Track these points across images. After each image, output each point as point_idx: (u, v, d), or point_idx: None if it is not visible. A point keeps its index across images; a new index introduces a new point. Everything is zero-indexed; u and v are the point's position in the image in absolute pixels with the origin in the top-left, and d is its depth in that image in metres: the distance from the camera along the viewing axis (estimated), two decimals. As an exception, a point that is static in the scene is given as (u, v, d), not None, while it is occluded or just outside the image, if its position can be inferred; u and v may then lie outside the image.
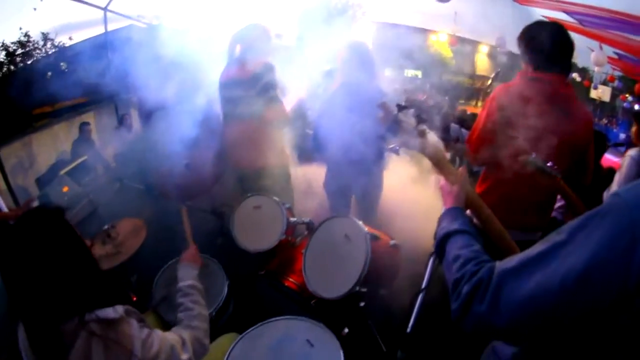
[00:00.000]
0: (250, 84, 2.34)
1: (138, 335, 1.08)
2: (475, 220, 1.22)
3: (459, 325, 0.78)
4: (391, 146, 1.22)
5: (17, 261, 1.01)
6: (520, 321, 0.70)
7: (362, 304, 1.83)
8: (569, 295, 0.64)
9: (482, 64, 6.14)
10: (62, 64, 8.42)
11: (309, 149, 2.49)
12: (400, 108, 1.19)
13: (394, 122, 1.19)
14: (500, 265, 0.76)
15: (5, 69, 7.32)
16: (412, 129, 1.18)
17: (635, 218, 0.61)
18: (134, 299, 2.11)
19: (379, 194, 2.48)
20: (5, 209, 2.59)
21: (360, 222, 1.76)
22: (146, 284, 2.03)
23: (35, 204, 2.80)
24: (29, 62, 7.66)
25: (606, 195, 3.33)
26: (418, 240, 1.98)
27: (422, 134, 1.18)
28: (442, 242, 1.00)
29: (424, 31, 5.91)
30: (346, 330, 1.67)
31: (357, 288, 1.59)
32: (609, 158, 5.32)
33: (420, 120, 1.18)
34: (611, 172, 4.45)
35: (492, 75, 3.88)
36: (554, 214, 2.30)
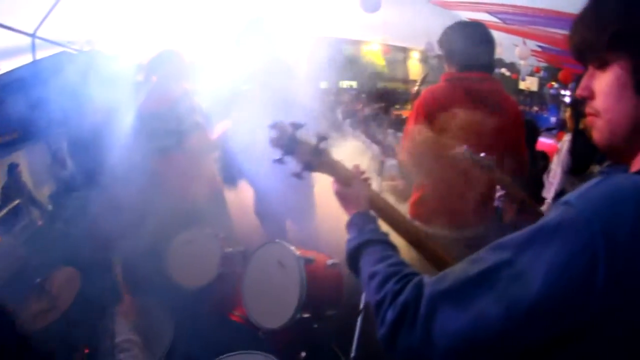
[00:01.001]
0: (169, 114, 2.27)
1: None
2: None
3: (388, 354, 0.66)
4: (296, 171, 1.08)
5: None
6: (459, 355, 0.59)
7: (315, 325, 1.82)
8: (518, 327, 0.54)
9: (415, 69, 6.45)
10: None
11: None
12: (296, 127, 1.07)
13: (291, 142, 1.07)
14: (431, 284, 0.63)
15: None
16: (312, 148, 1.06)
17: (594, 232, 0.50)
18: (87, 350, 2.02)
19: (312, 212, 2.44)
20: None
21: (292, 247, 1.76)
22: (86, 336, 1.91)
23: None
24: None
25: (546, 179, 3.57)
26: None
27: (322, 154, 1.07)
28: (352, 256, 0.88)
29: (357, 42, 6.11)
30: (304, 354, 1.68)
31: (299, 315, 1.60)
32: (542, 141, 5.80)
33: (321, 138, 1.07)
34: (545, 155, 4.83)
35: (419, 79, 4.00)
36: (495, 202, 2.31)
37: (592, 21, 0.62)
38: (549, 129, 6.17)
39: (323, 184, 2.48)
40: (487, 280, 0.57)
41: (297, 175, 1.09)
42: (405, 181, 2.24)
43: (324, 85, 4.36)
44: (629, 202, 0.51)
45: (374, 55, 5.83)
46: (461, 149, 1.61)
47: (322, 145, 1.07)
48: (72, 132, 3.15)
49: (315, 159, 1.06)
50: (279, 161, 1.08)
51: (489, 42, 1.89)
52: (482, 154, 1.60)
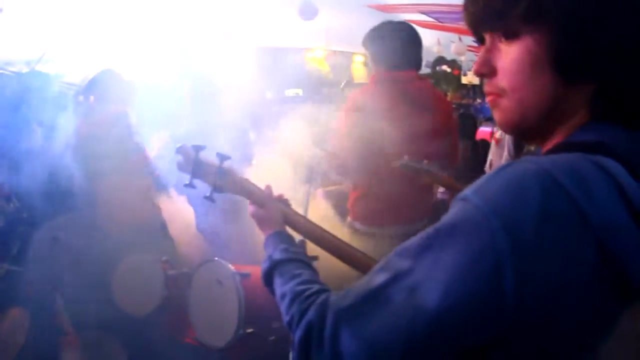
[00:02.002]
0: (105, 137, 2.22)
1: None
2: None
3: None
4: (207, 195, 1.09)
5: None
6: None
7: (271, 338, 1.80)
8: (418, 347, 0.48)
9: (359, 72, 6.60)
10: None
11: None
12: (198, 149, 1.08)
13: (195, 165, 1.07)
14: (334, 302, 0.57)
15: None
16: (215, 170, 1.06)
17: (494, 229, 0.43)
18: None
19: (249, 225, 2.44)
20: None
21: (227, 264, 1.76)
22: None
23: None
24: None
25: (487, 168, 3.73)
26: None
27: (227, 174, 1.07)
28: (268, 279, 0.86)
29: (300, 50, 6.18)
30: None
31: (241, 331, 1.61)
32: (484, 130, 6.10)
33: (223, 158, 1.07)
34: (486, 144, 5.07)
35: (343, 83, 4.02)
36: (440, 196, 2.42)
37: None
38: (487, 119, 6.51)
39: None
40: (385, 294, 0.50)
41: (209, 199, 1.09)
42: (348, 185, 2.26)
43: (269, 95, 4.35)
44: (533, 189, 0.43)
45: (318, 61, 5.91)
46: (399, 160, 1.65)
47: (226, 165, 1.07)
48: (13, 160, 2.93)
49: (220, 180, 1.06)
50: (190, 185, 1.09)
51: (415, 41, 1.96)
52: (423, 161, 1.64)
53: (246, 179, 1.11)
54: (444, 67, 7.87)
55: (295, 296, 0.69)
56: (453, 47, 6.96)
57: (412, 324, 0.47)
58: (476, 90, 9.14)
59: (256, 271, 1.81)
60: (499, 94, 0.55)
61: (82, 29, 4.48)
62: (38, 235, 2.26)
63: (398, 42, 1.87)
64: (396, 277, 0.50)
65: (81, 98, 2.44)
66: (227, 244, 2.39)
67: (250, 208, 1.07)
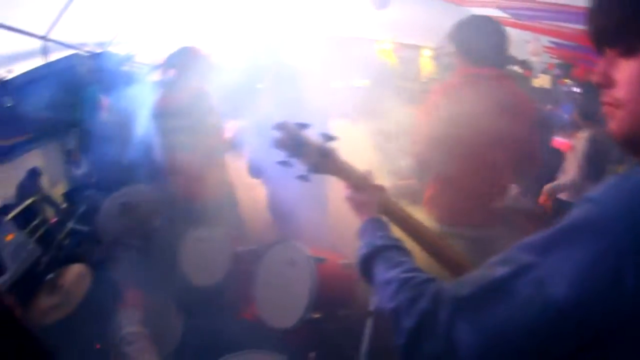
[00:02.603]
0: (185, 112, 2.25)
1: None
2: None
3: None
4: (302, 174, 1.04)
5: None
6: None
7: (327, 325, 1.80)
8: (543, 335, 0.50)
9: (427, 67, 6.37)
10: (5, 98, 8.00)
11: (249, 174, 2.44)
12: (301, 127, 1.03)
13: (296, 143, 1.02)
14: (450, 291, 0.59)
15: None
16: (318, 149, 1.02)
17: (619, 230, 0.47)
18: (98, 346, 2.03)
19: (326, 211, 2.44)
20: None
21: (303, 246, 1.74)
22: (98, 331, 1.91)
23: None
24: None
25: (562, 176, 3.50)
26: None
27: (328, 155, 1.02)
28: (365, 263, 0.84)
29: (369, 41, 6.07)
30: (313, 355, 1.63)
31: (308, 315, 1.58)
32: (560, 140, 5.71)
33: (327, 138, 1.02)
34: (559, 153, 4.74)
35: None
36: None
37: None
38: (562, 127, 6.06)
39: (337, 183, 2.47)
40: (510, 285, 0.53)
41: (303, 178, 1.05)
42: (419, 181, 2.20)
43: (337, 84, 4.33)
44: None
45: (387, 53, 5.78)
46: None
47: (329, 145, 1.03)
48: (85, 131, 3.17)
49: (321, 160, 1.02)
50: (284, 163, 1.05)
51: (502, 37, 1.82)
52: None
53: (347, 162, 1.05)
54: (515, 67, 7.39)
55: (403, 283, 0.69)
56: (529, 46, 6.51)
57: (537, 317, 0.49)
58: (547, 95, 8.55)
59: (331, 257, 1.78)
60: (616, 105, 0.58)
61: (153, 12, 4.70)
62: (107, 200, 2.31)
63: (485, 37, 1.76)
64: (520, 271, 0.52)
65: (160, 73, 2.50)
66: (296, 227, 2.38)
67: (347, 191, 1.03)
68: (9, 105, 7.19)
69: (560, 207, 3.11)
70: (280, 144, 1.04)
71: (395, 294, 0.68)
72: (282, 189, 2.23)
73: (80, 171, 4.56)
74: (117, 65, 3.82)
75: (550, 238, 0.52)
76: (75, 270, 2.05)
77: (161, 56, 2.68)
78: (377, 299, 0.86)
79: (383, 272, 0.77)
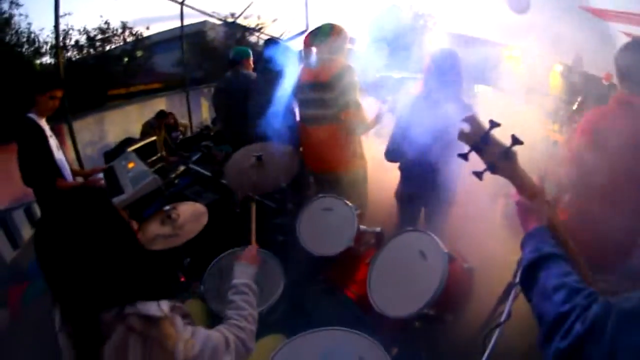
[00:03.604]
0: (330, 86, 2.27)
1: (181, 336, 0.99)
2: None
3: None
4: (477, 170, 1.06)
5: (55, 241, 0.92)
6: None
7: (416, 324, 1.68)
8: None
9: (555, 82, 5.70)
10: (138, 51, 9.08)
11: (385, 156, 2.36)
12: (493, 125, 1.02)
13: (483, 140, 1.03)
14: (617, 304, 0.66)
15: (85, 51, 8.02)
16: (502, 150, 1.01)
17: None
18: (183, 279, 2.10)
19: (448, 208, 2.32)
20: (71, 179, 2.69)
21: (439, 241, 1.62)
22: (197, 271, 2.01)
23: (101, 176, 2.95)
24: (107, 48, 8.35)
25: None
26: (488, 265, 1.80)
27: (511, 158, 1.02)
28: (532, 267, 0.88)
29: (496, 45, 5.58)
30: (396, 350, 1.55)
31: (426, 310, 1.45)
32: None
33: (515, 141, 1.00)
34: None
35: (579, 100, 3.69)
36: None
37: None
38: None
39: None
40: None
41: (478, 175, 1.07)
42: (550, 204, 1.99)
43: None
44: None
45: (515, 61, 5.26)
46: None
47: (513, 149, 1.03)
48: (219, 89, 3.35)
49: (502, 162, 1.03)
50: (464, 156, 1.08)
51: None
52: None
53: (522, 169, 1.04)
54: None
55: (576, 291, 0.76)
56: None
57: None
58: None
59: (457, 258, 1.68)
60: None
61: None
62: (241, 151, 2.36)
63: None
64: None
65: (304, 47, 2.48)
66: (416, 218, 2.35)
67: (518, 197, 1.05)
68: (140, 56, 8.10)
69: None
70: (465, 137, 1.06)
71: (568, 298, 0.75)
72: (418, 179, 2.15)
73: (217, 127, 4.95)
74: (247, 35, 3.97)
75: None
76: (193, 208, 2.11)
77: (307, 29, 2.73)
78: (538, 303, 0.82)
79: (554, 278, 0.82)
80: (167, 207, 2.05)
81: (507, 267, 1.47)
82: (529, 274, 0.89)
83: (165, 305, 1.00)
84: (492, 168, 1.04)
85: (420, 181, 2.15)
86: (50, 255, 0.92)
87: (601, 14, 5.02)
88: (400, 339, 1.66)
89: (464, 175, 2.25)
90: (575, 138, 1.79)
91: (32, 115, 2.52)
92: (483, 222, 2.41)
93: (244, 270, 1.43)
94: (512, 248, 2.06)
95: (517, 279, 1.25)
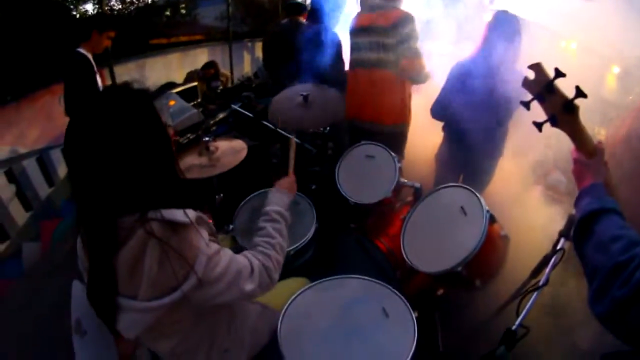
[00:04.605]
0: (392, 31, 2.21)
1: (205, 250, 0.93)
2: None
3: (618, 314, 0.69)
4: (538, 121, 1.04)
5: (88, 131, 0.87)
6: None
7: (440, 292, 1.71)
8: None
9: (611, 85, 5.36)
10: (182, 4, 9.08)
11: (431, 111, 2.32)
12: (558, 74, 1.00)
13: (547, 88, 1.01)
14: None
15: (128, 1, 8.07)
16: (565, 101, 0.99)
17: None
18: (210, 220, 2.11)
19: (488, 180, 2.29)
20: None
21: (482, 198, 1.55)
22: (229, 208, 2.01)
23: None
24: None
25: None
26: (523, 239, 1.79)
27: (573, 111, 1.00)
28: (587, 220, 0.87)
29: (554, 34, 5.20)
30: (416, 314, 1.54)
31: (459, 268, 1.41)
32: None
33: (579, 93, 0.98)
34: None
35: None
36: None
37: None
38: None
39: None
40: None
41: (538, 126, 1.05)
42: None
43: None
44: None
45: (571, 54, 4.93)
46: None
47: (576, 101, 1.01)
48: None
49: (564, 114, 1.01)
50: (526, 104, 1.07)
51: None
52: None
53: (583, 125, 1.02)
54: None
55: (635, 243, 0.77)
56: None
57: None
58: None
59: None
60: None
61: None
62: (288, 90, 2.37)
63: None
64: None
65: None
66: (453, 181, 2.29)
67: (577, 153, 1.04)
68: (183, 9, 8.08)
69: None
70: (529, 85, 1.04)
71: (628, 248, 0.75)
72: (462, 142, 2.10)
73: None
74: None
75: None
76: (233, 143, 2.10)
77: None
78: (592, 255, 0.81)
79: (612, 229, 0.82)
80: (207, 138, 2.04)
81: (542, 242, 1.43)
82: (584, 227, 0.87)
83: (192, 213, 0.94)
84: (554, 120, 1.02)
85: (464, 145, 2.09)
86: (80, 146, 0.88)
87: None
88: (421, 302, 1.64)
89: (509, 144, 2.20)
90: (617, 131, 1.73)
91: (82, 50, 2.67)
92: (521, 195, 2.36)
93: (279, 197, 1.35)
94: (550, 220, 2.02)
95: (559, 246, 1.27)
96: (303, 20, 3.09)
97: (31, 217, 3.41)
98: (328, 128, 2.48)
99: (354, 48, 2.45)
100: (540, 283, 1.21)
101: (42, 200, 3.58)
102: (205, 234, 0.97)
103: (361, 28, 2.37)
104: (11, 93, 3.84)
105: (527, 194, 2.67)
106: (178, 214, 0.91)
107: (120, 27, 2.99)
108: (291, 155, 1.62)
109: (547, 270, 1.25)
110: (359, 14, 2.43)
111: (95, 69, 2.74)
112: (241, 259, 1.06)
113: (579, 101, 0.99)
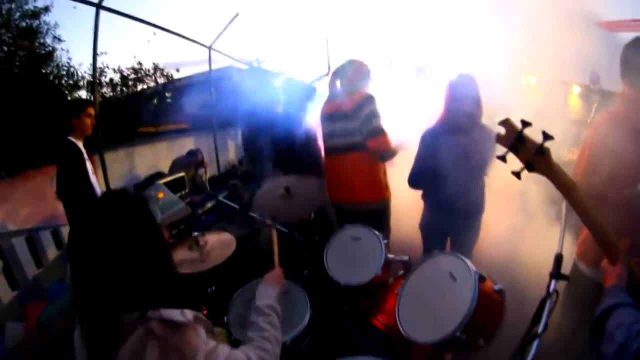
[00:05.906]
0: (353, 115, 2.34)
1: (203, 347, 0.96)
2: None
3: None
4: (515, 170, 1.11)
5: (90, 236, 0.94)
6: None
7: (449, 357, 1.70)
8: None
9: (575, 105, 5.59)
10: (167, 93, 9.62)
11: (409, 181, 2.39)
12: (525, 124, 1.08)
13: (517, 139, 1.09)
14: None
15: (118, 89, 8.59)
16: (536, 147, 1.07)
17: None
18: (205, 312, 2.08)
19: (476, 237, 2.30)
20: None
21: (468, 261, 1.58)
22: (222, 300, 2.00)
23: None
24: (139, 87, 8.92)
25: None
26: (519, 287, 1.81)
27: (545, 154, 1.07)
28: (601, 319, 0.99)
29: (511, 74, 5.52)
30: None
31: (457, 333, 1.40)
32: None
33: (546, 137, 1.06)
34: None
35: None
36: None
37: None
38: None
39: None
40: None
41: (516, 175, 1.11)
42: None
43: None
44: None
45: (531, 88, 5.19)
46: (634, 188, 1.47)
47: (545, 145, 1.08)
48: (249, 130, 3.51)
49: (537, 158, 1.07)
50: (502, 158, 1.13)
51: None
52: None
53: (558, 165, 1.09)
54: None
55: (634, 322, 0.90)
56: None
57: None
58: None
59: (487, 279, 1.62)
60: None
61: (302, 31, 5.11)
62: (269, 182, 2.38)
63: None
64: None
65: (329, 82, 2.61)
66: (442, 249, 2.31)
67: (603, 263, 1.17)
68: (169, 99, 8.52)
69: None
70: (502, 140, 1.12)
71: (626, 329, 0.88)
72: (441, 206, 2.14)
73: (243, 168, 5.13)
74: (269, 79, 4.20)
75: None
76: (222, 237, 2.14)
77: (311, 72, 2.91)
78: (605, 349, 0.92)
79: (616, 321, 0.94)
80: (196, 233, 2.09)
81: (539, 286, 1.42)
82: (598, 327, 0.99)
83: (189, 313, 0.98)
84: (530, 166, 1.09)
85: (446, 209, 2.13)
86: (82, 249, 0.94)
87: (612, 27, 4.90)
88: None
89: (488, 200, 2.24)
90: (587, 140, 1.75)
91: (71, 138, 2.75)
92: (508, 243, 2.36)
93: (267, 291, 1.39)
94: (541, 262, 2.00)
95: (551, 289, 1.30)
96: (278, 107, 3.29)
97: (17, 296, 3.27)
98: (312, 215, 2.53)
99: (325, 134, 2.58)
100: (540, 330, 1.22)
101: (29, 280, 3.46)
102: (202, 332, 1.00)
103: (328, 116, 2.51)
104: (6, 169, 3.90)
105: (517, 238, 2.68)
106: (176, 315, 0.95)
107: (109, 115, 3.08)
108: (275, 249, 1.66)
109: (544, 316, 1.26)
110: (326, 102, 2.58)
111: (85, 155, 2.79)
112: (238, 353, 1.07)
113: (549, 143, 1.07)
